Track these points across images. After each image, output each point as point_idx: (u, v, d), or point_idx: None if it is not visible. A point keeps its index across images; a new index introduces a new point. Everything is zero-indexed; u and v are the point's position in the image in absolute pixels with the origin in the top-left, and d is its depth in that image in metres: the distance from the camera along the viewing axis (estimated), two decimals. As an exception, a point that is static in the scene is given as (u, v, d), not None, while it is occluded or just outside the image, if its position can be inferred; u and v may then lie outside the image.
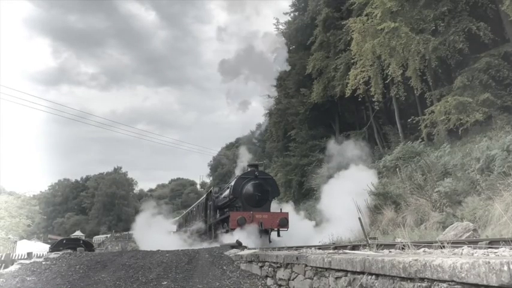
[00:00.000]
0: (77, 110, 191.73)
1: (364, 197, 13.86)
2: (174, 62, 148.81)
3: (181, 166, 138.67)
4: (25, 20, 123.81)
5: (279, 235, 14.37)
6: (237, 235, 12.97)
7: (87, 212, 77.52)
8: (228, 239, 13.58)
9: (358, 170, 16.46)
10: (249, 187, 14.88)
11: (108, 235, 55.99)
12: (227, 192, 16.22)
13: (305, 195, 24.12)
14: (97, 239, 56.01)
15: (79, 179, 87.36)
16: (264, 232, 14.09)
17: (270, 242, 13.96)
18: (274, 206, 16.05)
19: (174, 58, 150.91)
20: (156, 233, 21.91)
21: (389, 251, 4.27)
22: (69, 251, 12.48)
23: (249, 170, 16.03)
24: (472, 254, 3.21)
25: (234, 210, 14.94)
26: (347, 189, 15.08)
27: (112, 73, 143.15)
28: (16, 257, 15.39)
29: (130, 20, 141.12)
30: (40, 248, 30.23)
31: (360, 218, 6.15)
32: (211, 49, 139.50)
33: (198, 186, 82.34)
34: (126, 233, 54.36)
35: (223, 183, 21.29)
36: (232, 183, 15.52)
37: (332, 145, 21.25)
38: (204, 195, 21.49)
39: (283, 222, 14.10)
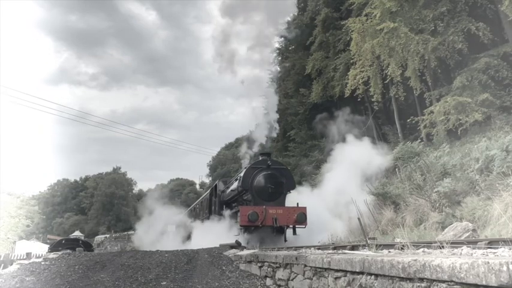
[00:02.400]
0: (76, 110, 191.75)
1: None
2: (175, 62, 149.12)
3: (180, 166, 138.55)
4: (26, 19, 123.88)
5: (295, 233, 12.67)
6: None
7: (86, 212, 77.46)
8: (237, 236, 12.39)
9: (358, 145, 16.07)
10: (260, 178, 13.08)
11: (108, 235, 56.01)
12: (235, 184, 14.45)
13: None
14: (98, 238, 56.06)
15: (78, 179, 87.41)
16: (279, 230, 12.51)
17: (285, 241, 12.45)
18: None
19: (175, 58, 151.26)
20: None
21: (389, 251, 4.26)
22: (68, 251, 12.49)
23: (260, 158, 14.04)
24: (471, 254, 3.21)
25: (244, 205, 13.27)
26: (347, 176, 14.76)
27: (112, 73, 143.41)
28: (15, 257, 15.40)
29: (130, 19, 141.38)
30: (39, 248, 30.23)
31: (359, 219, 6.15)
32: (211, 49, 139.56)
33: (198, 187, 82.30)
34: (125, 233, 54.42)
35: (230, 177, 19.26)
36: (242, 174, 13.69)
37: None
38: (208, 191, 19.82)
39: (301, 218, 12.25)
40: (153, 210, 26.04)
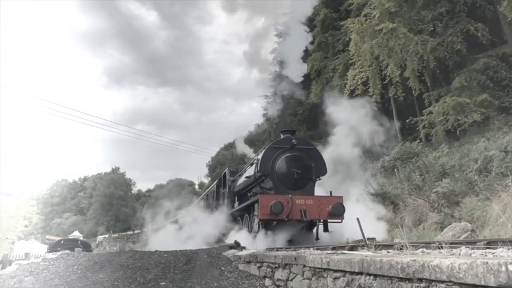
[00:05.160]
0: (76, 110, 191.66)
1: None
2: (175, 63, 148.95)
3: (179, 166, 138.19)
4: (26, 20, 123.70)
5: (326, 229, 10.07)
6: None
7: (85, 212, 77.36)
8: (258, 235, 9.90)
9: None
10: (283, 161, 10.41)
11: (108, 235, 55.95)
12: (251, 170, 11.75)
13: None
14: (99, 239, 56.07)
15: (77, 180, 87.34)
16: (308, 225, 10.11)
17: (317, 239, 10.12)
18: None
19: (175, 58, 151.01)
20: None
21: (388, 252, 4.26)
22: (66, 251, 12.51)
23: (282, 137, 11.26)
24: (470, 254, 3.21)
25: (264, 193, 10.44)
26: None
27: (112, 73, 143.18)
28: (14, 258, 15.38)
29: (131, 20, 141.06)
30: (38, 248, 30.22)
31: (358, 219, 6.13)
32: (212, 49, 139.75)
33: (197, 187, 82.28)
34: (124, 233, 54.40)
35: (242, 164, 16.16)
36: (260, 156, 10.96)
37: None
38: (215, 182, 17.03)
39: (337, 210, 9.62)
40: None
